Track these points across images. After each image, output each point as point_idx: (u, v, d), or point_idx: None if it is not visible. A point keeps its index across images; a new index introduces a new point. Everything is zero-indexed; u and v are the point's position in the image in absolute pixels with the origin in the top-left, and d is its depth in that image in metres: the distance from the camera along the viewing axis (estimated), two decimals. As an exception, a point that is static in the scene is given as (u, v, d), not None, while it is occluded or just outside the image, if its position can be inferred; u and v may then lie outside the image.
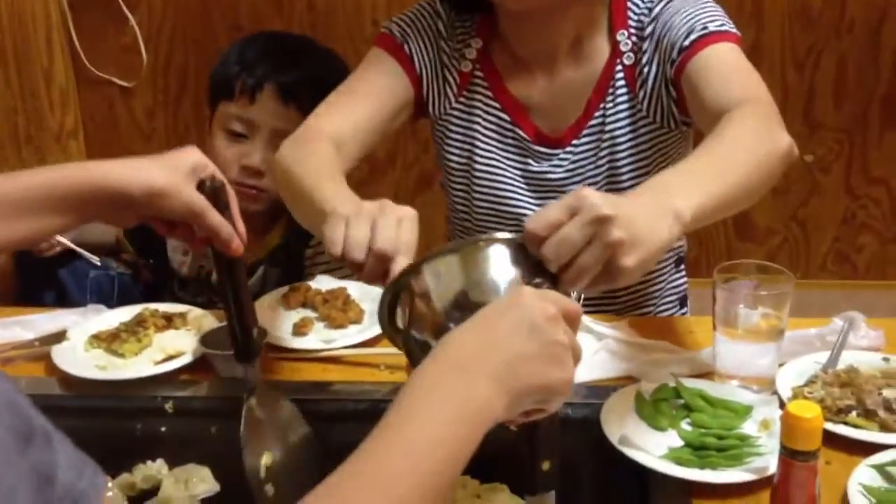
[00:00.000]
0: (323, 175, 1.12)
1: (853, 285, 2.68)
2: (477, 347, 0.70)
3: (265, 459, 0.98)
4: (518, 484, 0.86)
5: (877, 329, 1.28)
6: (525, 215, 1.37)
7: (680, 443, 1.06)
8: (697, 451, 1.04)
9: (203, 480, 1.00)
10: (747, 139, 1.09)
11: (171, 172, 0.92)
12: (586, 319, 1.32)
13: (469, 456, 0.66)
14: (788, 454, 0.92)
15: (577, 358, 0.75)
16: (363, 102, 1.31)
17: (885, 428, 1.08)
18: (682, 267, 1.57)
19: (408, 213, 0.93)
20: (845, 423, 1.08)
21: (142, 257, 1.71)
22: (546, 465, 0.81)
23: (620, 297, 1.46)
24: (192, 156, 0.94)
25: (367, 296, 1.38)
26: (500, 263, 0.83)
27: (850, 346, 1.25)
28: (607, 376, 1.21)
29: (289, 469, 1.00)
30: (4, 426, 0.43)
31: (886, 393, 1.12)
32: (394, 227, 0.90)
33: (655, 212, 0.89)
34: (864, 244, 2.66)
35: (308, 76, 1.52)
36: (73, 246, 1.61)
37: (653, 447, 1.04)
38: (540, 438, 0.81)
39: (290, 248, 1.61)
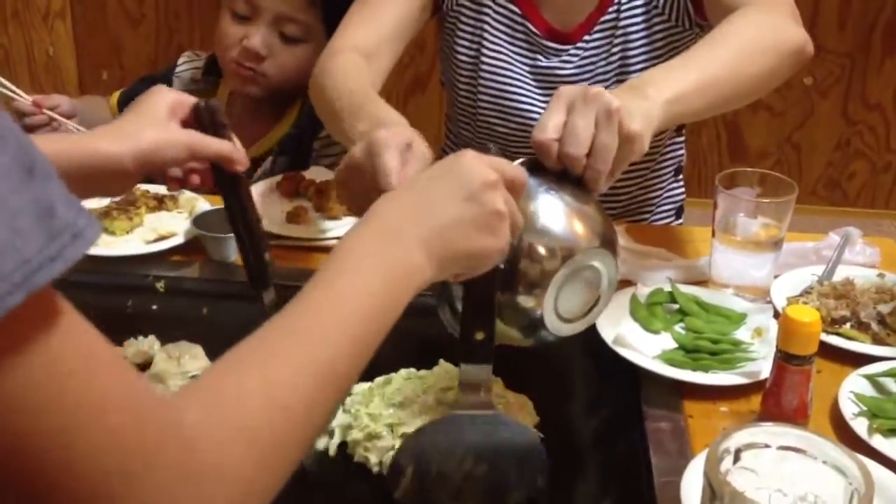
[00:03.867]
0: (356, 94, 1.10)
1: (842, 212, 2.68)
2: (409, 211, 0.70)
3: None
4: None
5: (872, 246, 1.28)
6: (531, 111, 1.35)
7: (673, 345, 1.06)
8: (690, 353, 1.04)
9: (195, 358, 0.99)
10: (748, 32, 1.08)
11: (151, 126, 0.87)
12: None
13: (396, 317, 0.66)
14: (784, 357, 0.93)
15: (515, 227, 0.75)
16: (386, 9, 1.28)
17: (877, 341, 1.08)
18: (681, 177, 1.56)
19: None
20: (839, 334, 1.09)
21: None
22: (480, 335, 0.81)
23: (621, 200, 1.45)
24: (164, 97, 0.90)
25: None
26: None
27: (845, 261, 1.25)
28: (602, 279, 1.20)
29: None
30: (10, 155, 0.43)
31: (880, 307, 1.12)
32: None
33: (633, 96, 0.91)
34: (856, 171, 2.66)
35: None
36: (63, 120, 1.55)
37: (646, 348, 1.04)
38: (473, 307, 0.80)
39: (299, 137, 1.57)
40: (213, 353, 1.02)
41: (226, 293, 1.12)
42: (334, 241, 1.24)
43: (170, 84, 1.63)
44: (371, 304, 0.64)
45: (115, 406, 0.46)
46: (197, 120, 0.89)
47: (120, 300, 1.13)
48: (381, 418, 0.88)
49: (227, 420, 0.53)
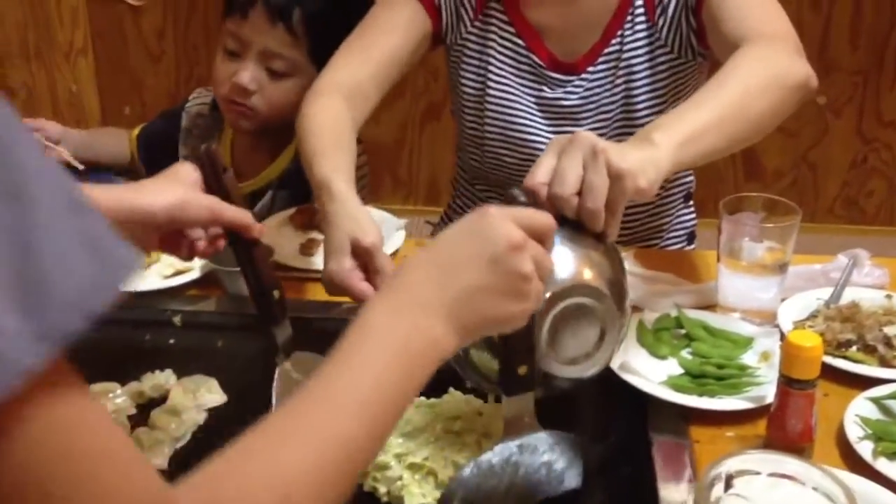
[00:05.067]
0: (325, 140, 1.17)
1: (861, 230, 2.68)
2: (432, 279, 0.68)
3: None
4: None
5: (881, 267, 1.29)
6: (537, 142, 1.37)
7: (679, 371, 1.07)
8: (696, 378, 1.05)
9: (210, 391, 1.01)
10: (754, 70, 1.09)
11: (180, 186, 0.92)
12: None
13: (416, 391, 0.65)
14: (787, 382, 0.94)
15: (544, 276, 0.73)
16: (380, 42, 1.31)
17: (884, 363, 1.09)
18: (691, 203, 1.57)
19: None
20: (845, 357, 1.09)
21: (150, 169, 1.72)
22: (523, 370, 0.82)
23: (630, 227, 1.47)
24: (189, 171, 0.94)
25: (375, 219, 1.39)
26: None
27: (853, 283, 1.26)
28: (611, 305, 1.21)
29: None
30: (55, 187, 0.45)
31: (887, 329, 1.13)
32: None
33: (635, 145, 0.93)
34: (874, 189, 2.66)
35: None
36: (49, 144, 1.58)
37: (652, 374, 1.06)
38: (513, 345, 0.82)
39: (299, 171, 1.60)
40: (228, 384, 1.06)
41: (241, 326, 1.15)
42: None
43: (179, 118, 1.68)
44: (389, 382, 0.63)
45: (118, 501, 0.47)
46: (199, 166, 0.92)
47: (138, 335, 1.16)
48: (390, 448, 0.90)
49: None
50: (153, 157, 1.70)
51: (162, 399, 1.01)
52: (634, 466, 0.96)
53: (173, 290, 1.23)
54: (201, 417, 0.99)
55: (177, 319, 1.17)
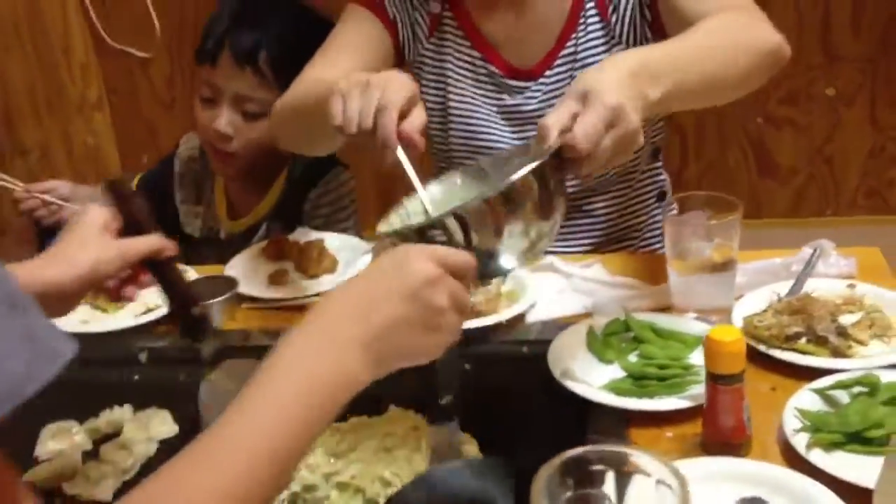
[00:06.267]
0: (319, 84, 1.17)
1: (887, 220, 2.61)
2: (349, 313, 0.71)
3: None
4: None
5: (847, 257, 1.27)
6: (501, 148, 1.39)
7: (622, 374, 1.07)
8: (638, 381, 1.05)
9: (163, 423, 1.05)
10: (720, 26, 1.12)
11: (84, 248, 0.94)
12: (555, 261, 1.34)
13: (327, 422, 0.67)
14: (713, 379, 0.94)
15: (462, 311, 0.75)
16: (344, 58, 1.34)
17: (837, 354, 1.07)
18: (666, 202, 1.57)
19: (395, 77, 0.97)
20: (794, 350, 1.08)
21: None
22: (445, 400, 0.84)
23: (601, 227, 1.47)
24: (94, 217, 0.96)
25: (345, 245, 1.42)
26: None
27: (819, 274, 1.24)
28: (568, 313, 1.22)
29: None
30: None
31: (843, 319, 1.11)
32: (380, 91, 0.95)
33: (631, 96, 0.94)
34: (895, 177, 2.59)
35: (266, 37, 1.54)
36: (57, 201, 1.64)
37: (594, 379, 1.06)
38: (438, 377, 0.83)
39: (288, 203, 1.65)
40: (182, 416, 1.09)
41: (199, 359, 1.18)
42: (314, 300, 1.29)
43: (173, 164, 1.74)
44: (295, 415, 0.65)
45: None
46: (112, 199, 0.96)
47: (105, 373, 1.21)
48: (319, 468, 0.92)
49: None
50: (152, 202, 1.76)
51: (116, 434, 1.05)
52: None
53: (143, 327, 1.27)
54: (152, 449, 1.02)
55: (143, 356, 1.21)
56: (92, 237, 0.94)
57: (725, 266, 1.15)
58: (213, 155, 1.60)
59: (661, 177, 1.54)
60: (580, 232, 1.47)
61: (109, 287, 0.97)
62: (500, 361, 1.16)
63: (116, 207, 0.96)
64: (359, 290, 0.73)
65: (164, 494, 0.60)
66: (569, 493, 0.62)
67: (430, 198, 0.92)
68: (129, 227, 0.95)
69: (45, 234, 1.67)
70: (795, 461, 0.92)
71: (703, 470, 0.90)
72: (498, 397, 1.10)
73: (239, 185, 1.69)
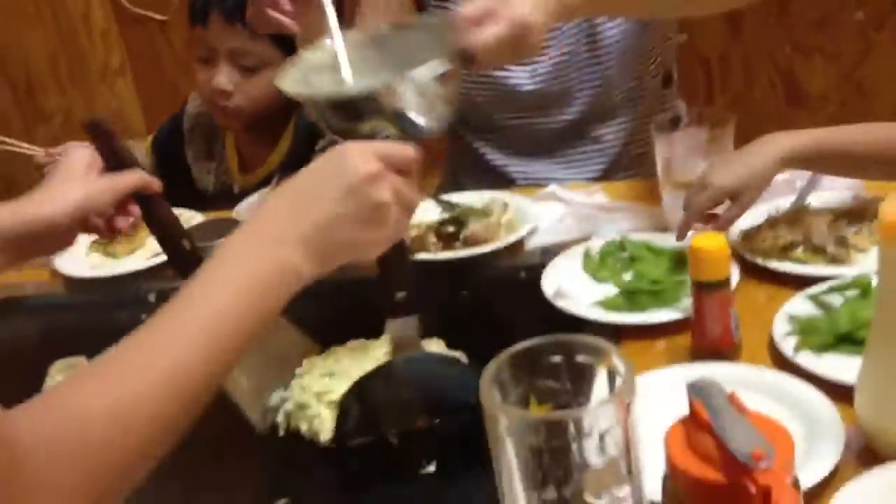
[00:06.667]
0: None
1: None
2: (287, 211, 0.71)
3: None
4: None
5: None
6: (504, 75, 1.39)
7: (615, 291, 1.07)
8: (631, 296, 1.05)
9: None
10: None
11: (73, 184, 0.94)
12: (557, 189, 1.34)
13: (268, 318, 0.68)
14: (699, 287, 0.93)
15: (408, 208, 0.75)
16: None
17: (836, 261, 1.06)
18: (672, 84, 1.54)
19: None
20: (790, 260, 1.07)
21: (163, 174, 1.81)
22: (400, 295, 0.85)
23: (610, 154, 1.46)
24: (79, 156, 0.96)
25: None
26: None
27: (826, 188, 1.22)
28: (568, 239, 1.22)
29: (266, 362, 1.05)
30: None
31: (844, 229, 1.09)
32: None
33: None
34: (930, 101, 2.52)
35: None
36: None
37: (587, 298, 1.06)
38: (390, 273, 0.84)
39: (298, 153, 1.67)
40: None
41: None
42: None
43: (182, 121, 1.77)
44: (233, 313, 0.65)
45: None
46: (95, 138, 0.98)
47: (116, 315, 1.24)
48: (311, 388, 0.94)
49: (64, 439, 0.56)
50: (164, 161, 1.79)
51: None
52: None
53: (152, 270, 1.30)
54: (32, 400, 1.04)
55: (152, 296, 1.24)
56: (78, 174, 0.95)
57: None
58: (217, 112, 1.63)
59: (673, 103, 1.52)
60: (588, 159, 1.46)
61: (100, 225, 0.99)
62: (498, 287, 1.17)
63: (99, 146, 0.98)
64: (296, 189, 0.73)
65: (100, 382, 0.60)
66: (521, 387, 0.63)
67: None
68: (113, 165, 0.97)
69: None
70: (784, 366, 0.92)
71: (685, 374, 0.89)
72: (493, 322, 1.11)
73: (248, 139, 1.71)
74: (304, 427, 0.93)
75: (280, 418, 0.96)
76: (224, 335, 0.65)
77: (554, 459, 0.59)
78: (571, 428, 0.58)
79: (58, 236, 0.96)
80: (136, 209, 0.98)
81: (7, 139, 1.47)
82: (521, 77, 1.38)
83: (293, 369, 0.99)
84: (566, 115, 1.42)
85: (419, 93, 0.87)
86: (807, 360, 0.90)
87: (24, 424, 0.56)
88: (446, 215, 1.29)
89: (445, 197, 1.35)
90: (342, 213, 0.71)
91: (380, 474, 0.88)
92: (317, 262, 0.71)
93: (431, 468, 0.87)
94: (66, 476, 0.55)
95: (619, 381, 0.61)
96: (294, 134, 1.66)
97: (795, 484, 0.58)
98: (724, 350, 0.94)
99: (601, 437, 0.58)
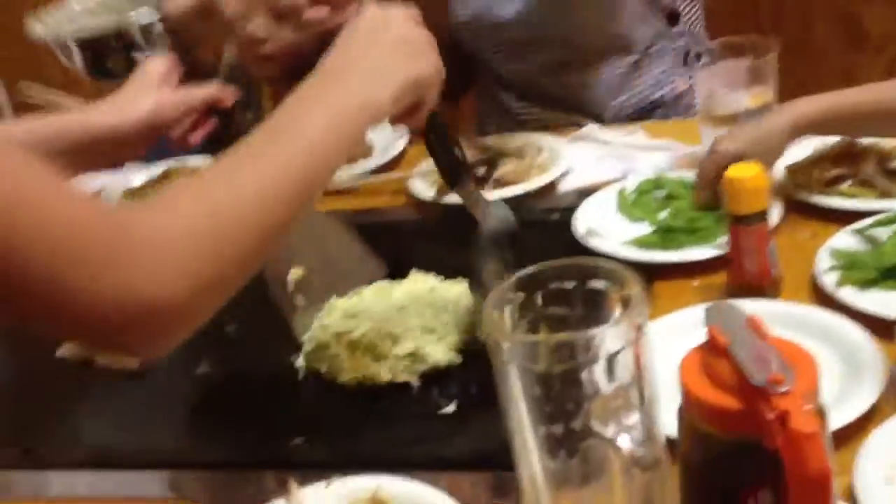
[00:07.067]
0: None
1: None
2: (346, 57, 0.77)
3: (294, 273, 1.01)
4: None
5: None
6: None
7: (649, 230, 1.03)
8: (666, 234, 1.01)
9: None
10: None
11: (145, 94, 0.94)
12: (594, 129, 1.29)
13: (351, 148, 0.74)
14: (735, 221, 0.89)
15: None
16: None
17: (885, 195, 1.00)
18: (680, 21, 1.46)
19: None
20: (838, 195, 1.01)
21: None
22: (457, 152, 0.89)
23: (632, 101, 1.40)
24: (155, 67, 0.96)
25: (380, 132, 1.41)
26: None
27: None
28: (605, 180, 1.17)
29: (327, 280, 1.01)
30: None
31: (893, 163, 1.03)
32: None
33: None
34: None
35: None
36: None
37: (620, 237, 1.02)
38: (435, 140, 0.89)
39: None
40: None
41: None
42: (347, 185, 1.29)
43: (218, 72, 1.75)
44: (326, 136, 0.71)
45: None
46: (174, 46, 0.96)
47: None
48: (331, 328, 0.92)
49: (170, 226, 0.60)
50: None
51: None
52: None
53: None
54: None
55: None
56: (152, 84, 0.94)
57: (763, 113, 1.08)
58: (251, 62, 1.59)
59: (680, 42, 1.43)
60: (594, 102, 1.39)
61: (173, 136, 0.97)
62: (529, 228, 1.12)
63: (178, 55, 0.95)
64: (346, 43, 0.78)
65: (219, 189, 0.64)
66: (531, 315, 0.60)
67: None
68: (192, 75, 0.95)
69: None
70: (826, 303, 0.87)
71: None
72: (523, 264, 1.07)
73: (285, 90, 1.68)
74: (323, 368, 0.91)
75: (300, 361, 0.94)
76: (316, 160, 0.70)
77: (560, 387, 0.56)
78: (578, 351, 0.55)
79: (122, 146, 0.94)
80: (210, 123, 0.96)
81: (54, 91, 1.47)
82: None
83: (356, 287, 0.99)
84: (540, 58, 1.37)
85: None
86: (849, 295, 0.85)
87: (137, 213, 0.61)
88: (479, 157, 1.25)
89: (479, 140, 1.31)
90: (394, 49, 0.78)
91: (398, 415, 0.86)
92: (390, 93, 0.76)
93: (451, 408, 0.85)
94: (169, 255, 0.58)
95: (630, 302, 0.57)
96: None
97: (820, 412, 0.54)
98: (761, 286, 0.89)
99: (610, 362, 0.55)
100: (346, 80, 0.75)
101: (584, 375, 0.56)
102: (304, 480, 0.75)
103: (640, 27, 1.34)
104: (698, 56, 1.23)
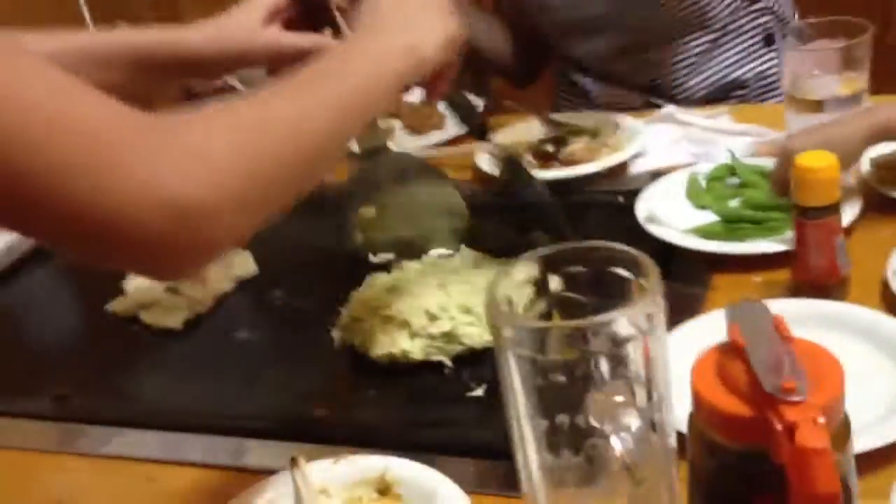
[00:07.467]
0: None
1: None
2: (378, 15, 0.77)
3: (364, 213, 1.01)
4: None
5: None
6: None
7: (715, 219, 0.96)
8: (731, 223, 0.94)
9: (245, 263, 1.05)
10: None
11: (243, 30, 0.90)
12: (675, 111, 1.22)
13: (395, 92, 0.74)
14: (802, 213, 0.82)
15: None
16: None
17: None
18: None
19: None
20: (930, 194, 0.93)
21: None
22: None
23: (709, 81, 1.33)
24: (264, 2, 0.91)
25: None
26: None
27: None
28: (680, 163, 1.11)
29: (393, 221, 1.00)
30: None
31: None
32: None
33: None
34: None
35: None
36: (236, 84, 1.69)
37: (683, 224, 0.96)
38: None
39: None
40: (263, 258, 1.09)
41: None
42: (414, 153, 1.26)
43: None
44: (366, 79, 0.70)
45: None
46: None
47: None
48: (368, 302, 0.89)
49: (220, 122, 0.60)
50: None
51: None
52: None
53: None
54: (228, 287, 1.03)
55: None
56: (255, 18, 0.90)
57: (854, 101, 1.00)
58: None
59: (763, 19, 1.34)
60: (663, 84, 1.32)
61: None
62: (592, 209, 1.08)
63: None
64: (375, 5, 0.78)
65: (276, 107, 0.64)
66: (543, 301, 0.56)
67: None
68: (306, 17, 0.92)
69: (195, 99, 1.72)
70: (892, 307, 0.79)
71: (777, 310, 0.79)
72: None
73: None
74: (356, 341, 0.88)
75: (336, 332, 0.91)
76: (358, 100, 0.70)
77: (562, 378, 0.51)
78: (580, 340, 0.50)
79: (202, 70, 0.93)
80: None
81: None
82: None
83: (436, 226, 0.99)
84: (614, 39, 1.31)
85: None
86: (923, 303, 0.77)
87: (167, 121, 0.58)
88: (550, 133, 1.21)
89: (554, 116, 1.26)
90: (425, 7, 0.78)
91: (426, 395, 0.83)
92: (426, 45, 0.76)
93: (480, 392, 0.81)
94: (199, 161, 0.56)
95: (643, 288, 0.52)
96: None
97: (843, 427, 0.48)
98: (827, 284, 0.82)
99: (614, 354, 0.50)
100: (387, 31, 0.75)
101: (586, 367, 0.51)
102: (319, 454, 0.73)
103: (718, 1, 1.27)
104: (783, 36, 1.15)
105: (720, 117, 1.21)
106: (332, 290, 0.95)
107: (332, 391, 0.86)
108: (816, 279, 0.82)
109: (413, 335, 0.87)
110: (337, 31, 0.91)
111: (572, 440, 0.52)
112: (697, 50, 1.29)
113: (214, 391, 0.88)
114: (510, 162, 0.98)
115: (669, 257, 0.93)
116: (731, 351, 0.50)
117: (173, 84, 1.00)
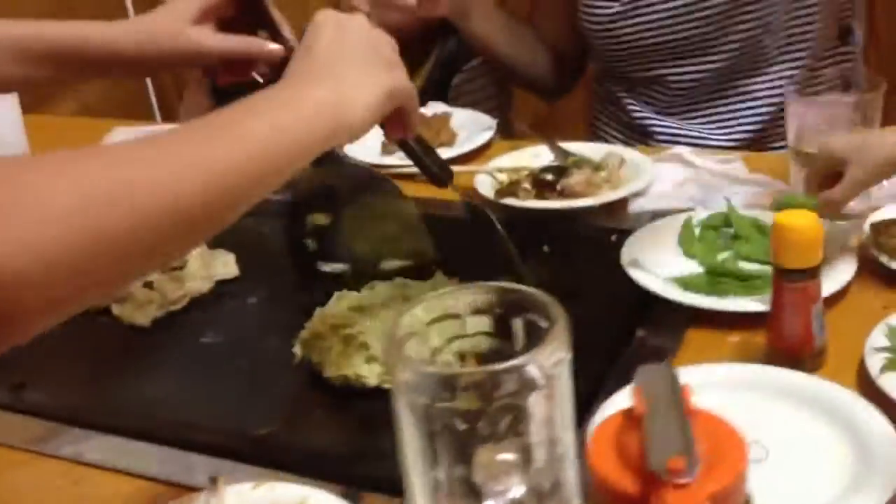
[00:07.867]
0: None
1: None
2: (313, 63, 0.71)
3: (315, 219, 0.99)
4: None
5: None
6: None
7: (700, 270, 0.93)
8: (715, 277, 0.90)
9: (226, 265, 1.04)
10: None
11: (169, 30, 0.86)
12: (684, 151, 1.19)
13: (308, 152, 0.65)
14: (779, 275, 0.78)
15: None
16: None
17: None
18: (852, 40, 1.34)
19: None
20: (930, 260, 0.88)
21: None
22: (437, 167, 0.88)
23: (755, 124, 1.29)
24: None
25: (471, 121, 1.36)
26: None
27: None
28: (681, 207, 1.07)
29: (347, 231, 0.99)
30: None
31: None
32: None
33: None
34: None
35: None
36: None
37: (665, 272, 0.92)
38: (414, 147, 0.88)
39: (435, 83, 1.60)
40: (247, 262, 1.08)
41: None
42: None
43: None
44: (295, 126, 0.64)
45: None
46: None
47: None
48: (329, 319, 0.87)
49: (63, 181, 0.51)
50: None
51: (180, 267, 1.05)
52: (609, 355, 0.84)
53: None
54: (206, 287, 1.02)
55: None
56: (184, 17, 0.85)
57: (860, 158, 0.95)
58: None
59: (848, 64, 1.30)
60: (733, 119, 1.29)
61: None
62: (580, 245, 1.05)
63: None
64: (319, 47, 0.73)
65: (149, 156, 0.56)
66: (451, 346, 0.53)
67: None
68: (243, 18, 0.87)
69: (218, 91, 1.72)
70: (868, 386, 0.75)
71: (743, 377, 0.76)
72: (559, 283, 0.99)
73: None
74: (314, 358, 0.87)
75: (296, 347, 0.89)
76: (280, 152, 0.62)
77: (450, 429, 0.49)
78: (475, 388, 0.48)
79: (127, 73, 0.92)
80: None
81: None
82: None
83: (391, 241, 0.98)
84: (709, 65, 1.26)
85: None
86: (891, 382, 0.73)
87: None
88: (554, 163, 1.18)
89: (563, 144, 1.23)
90: (366, 56, 0.73)
91: (372, 424, 0.80)
92: (359, 100, 0.70)
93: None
94: (60, 198, 0.50)
95: (544, 339, 0.49)
96: (434, 65, 1.59)
97: (740, 512, 0.45)
98: (801, 355, 0.78)
99: (509, 407, 0.48)
100: (312, 84, 0.69)
101: (481, 418, 0.49)
102: (248, 475, 0.71)
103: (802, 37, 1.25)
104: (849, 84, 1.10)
105: (733, 163, 1.17)
106: (309, 301, 0.94)
107: (281, 409, 0.85)
108: (790, 348, 0.78)
109: (370, 359, 0.85)
110: (274, 34, 0.87)
111: (460, 498, 0.50)
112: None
113: (164, 396, 0.87)
114: (474, 212, 0.95)
115: (648, 304, 0.90)
116: (631, 418, 0.47)
117: (94, 80, 0.95)
